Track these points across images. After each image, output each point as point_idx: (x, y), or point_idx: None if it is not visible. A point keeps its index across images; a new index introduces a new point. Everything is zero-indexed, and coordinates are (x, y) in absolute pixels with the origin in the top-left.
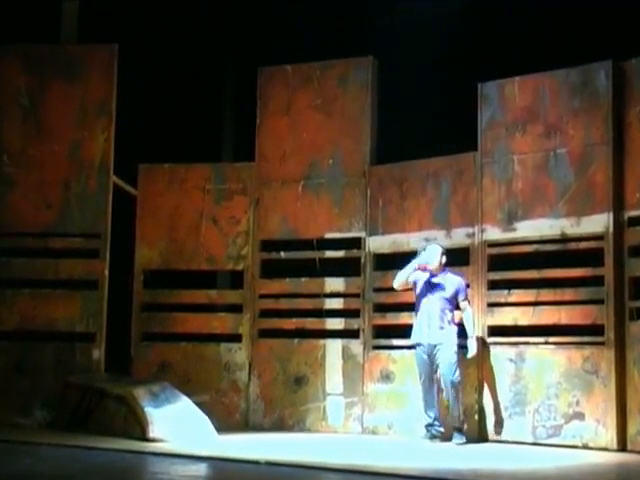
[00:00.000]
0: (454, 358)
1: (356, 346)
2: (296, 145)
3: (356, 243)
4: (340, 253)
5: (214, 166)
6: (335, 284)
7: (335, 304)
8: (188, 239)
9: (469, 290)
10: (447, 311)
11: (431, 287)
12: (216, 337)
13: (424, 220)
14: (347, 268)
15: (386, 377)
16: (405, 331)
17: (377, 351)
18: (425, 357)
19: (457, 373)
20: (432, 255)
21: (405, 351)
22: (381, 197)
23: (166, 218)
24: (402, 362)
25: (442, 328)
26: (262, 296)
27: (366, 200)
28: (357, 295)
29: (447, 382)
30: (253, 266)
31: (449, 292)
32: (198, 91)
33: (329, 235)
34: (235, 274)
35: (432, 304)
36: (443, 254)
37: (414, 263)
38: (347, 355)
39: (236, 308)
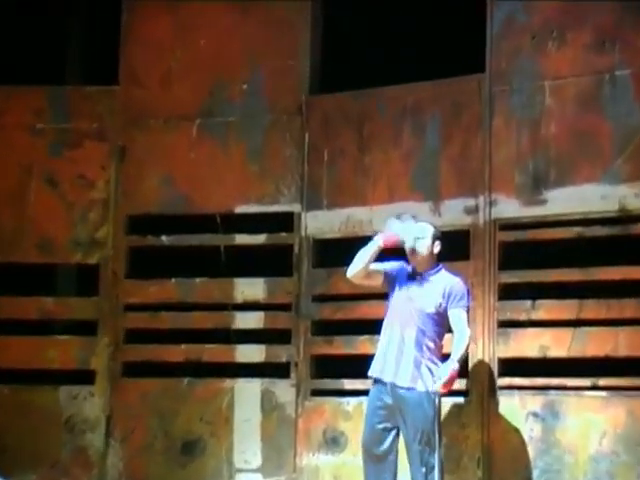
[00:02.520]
0: (432, 424)
1: (284, 390)
2: (188, 60)
3: (285, 222)
4: (260, 238)
5: (50, 91)
6: (251, 289)
7: (251, 321)
8: (4, 212)
9: (470, 300)
10: (428, 341)
11: (410, 293)
12: (52, 375)
13: (397, 185)
14: (270, 262)
15: (333, 441)
16: (364, 365)
17: (319, 399)
18: (380, 403)
19: (438, 449)
20: (412, 230)
21: (364, 398)
22: (327, 147)
23: None
24: (358, 417)
25: (418, 368)
26: (130, 307)
27: (303, 152)
28: (287, 307)
29: (418, 466)
30: (115, 258)
31: (432, 303)
32: None
33: (242, 209)
34: (85, 271)
35: (407, 323)
36: (437, 238)
37: (379, 237)
38: (270, 405)
39: (87, 327)
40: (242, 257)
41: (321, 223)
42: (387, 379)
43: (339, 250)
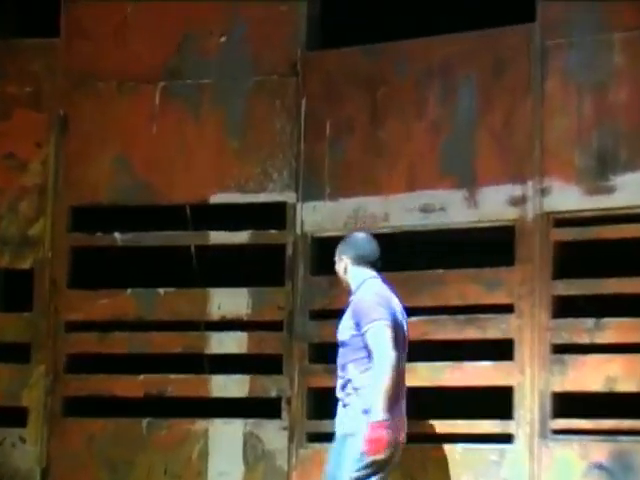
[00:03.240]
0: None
1: (274, 435)
2: (149, 5)
3: (276, 216)
4: (242, 236)
5: None
6: (231, 302)
7: (231, 344)
8: None
9: (381, 313)
10: (349, 375)
11: None
12: None
13: (421, 168)
14: (256, 268)
15: None
16: None
17: (317, 445)
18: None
19: None
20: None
21: None
22: (330, 118)
23: None
24: None
25: (345, 406)
26: (73, 326)
27: (298, 124)
28: (277, 326)
29: None
30: (54, 262)
31: (345, 327)
32: None
33: (218, 198)
34: (14, 279)
35: (340, 358)
36: (342, 252)
37: None
38: (255, 454)
39: (16, 352)
40: (219, 261)
41: (322, 217)
42: (337, 430)
43: None
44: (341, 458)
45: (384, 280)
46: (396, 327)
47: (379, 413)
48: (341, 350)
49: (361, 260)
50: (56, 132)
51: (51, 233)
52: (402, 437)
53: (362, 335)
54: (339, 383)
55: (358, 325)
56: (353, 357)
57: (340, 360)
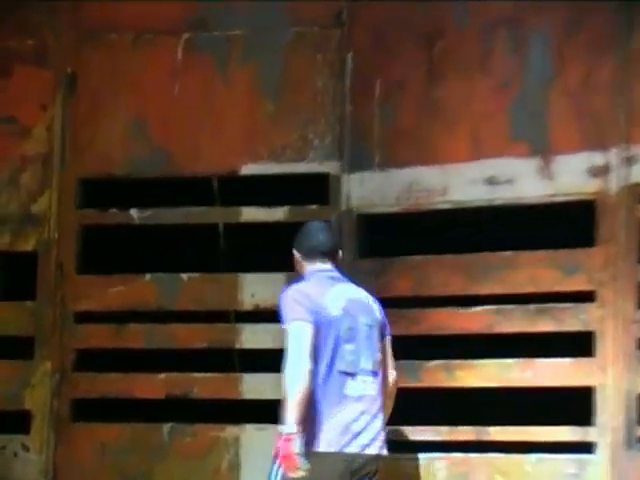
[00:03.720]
0: None
1: None
2: None
3: (317, 189)
4: (277, 213)
5: None
6: (265, 289)
7: (265, 338)
8: None
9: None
10: None
11: None
12: None
13: (486, 133)
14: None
15: None
16: (438, 405)
17: None
18: None
19: None
20: None
21: (440, 456)
22: (380, 75)
23: None
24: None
25: None
26: (83, 317)
27: (342, 83)
28: None
29: None
30: (61, 243)
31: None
32: None
33: (250, 169)
34: (15, 263)
35: None
36: (293, 247)
37: None
38: None
39: (18, 347)
40: (251, 242)
41: (371, 191)
42: None
43: (398, 231)
44: None
45: (343, 273)
46: (322, 325)
47: (285, 425)
48: None
49: (312, 253)
50: (63, 92)
51: (57, 209)
52: (353, 449)
53: None
54: None
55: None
56: None
57: None
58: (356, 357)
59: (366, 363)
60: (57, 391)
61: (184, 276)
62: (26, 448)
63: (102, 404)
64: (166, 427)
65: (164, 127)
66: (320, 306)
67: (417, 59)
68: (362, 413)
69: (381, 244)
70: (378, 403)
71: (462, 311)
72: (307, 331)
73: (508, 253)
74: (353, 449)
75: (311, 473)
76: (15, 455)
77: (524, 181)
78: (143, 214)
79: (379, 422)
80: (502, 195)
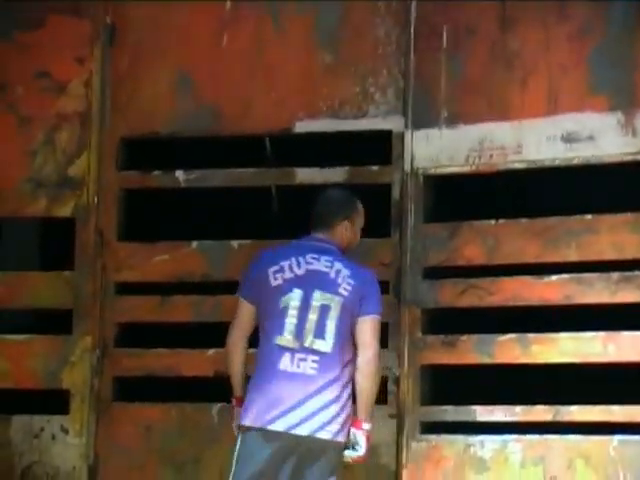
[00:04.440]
0: None
1: (379, 424)
2: None
3: (379, 148)
4: (336, 174)
5: None
6: None
7: None
8: None
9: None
10: None
11: None
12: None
13: (564, 84)
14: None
15: None
16: (507, 383)
17: (434, 438)
18: None
19: None
20: None
21: (508, 438)
22: (447, 22)
23: None
24: (499, 468)
25: None
26: (126, 289)
27: (407, 31)
28: (381, 287)
29: None
30: (101, 209)
31: None
32: None
33: (306, 126)
34: (52, 230)
35: None
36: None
37: None
38: None
39: (55, 321)
40: (307, 205)
41: (438, 149)
42: None
43: (468, 193)
44: None
45: (320, 241)
46: (262, 296)
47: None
48: None
49: (311, 222)
50: (101, 45)
51: (97, 172)
52: (277, 425)
53: None
54: None
55: None
56: None
57: None
58: (299, 333)
59: (311, 341)
60: (98, 369)
61: (234, 243)
62: (65, 430)
63: (146, 382)
64: (215, 407)
65: (211, 82)
66: (263, 276)
67: (488, 4)
68: (294, 391)
69: (449, 207)
70: (318, 384)
71: (538, 280)
72: (240, 305)
73: (588, 217)
74: (278, 427)
75: (238, 446)
76: (53, 438)
77: (605, 138)
78: (189, 176)
79: (317, 403)
80: (581, 153)
